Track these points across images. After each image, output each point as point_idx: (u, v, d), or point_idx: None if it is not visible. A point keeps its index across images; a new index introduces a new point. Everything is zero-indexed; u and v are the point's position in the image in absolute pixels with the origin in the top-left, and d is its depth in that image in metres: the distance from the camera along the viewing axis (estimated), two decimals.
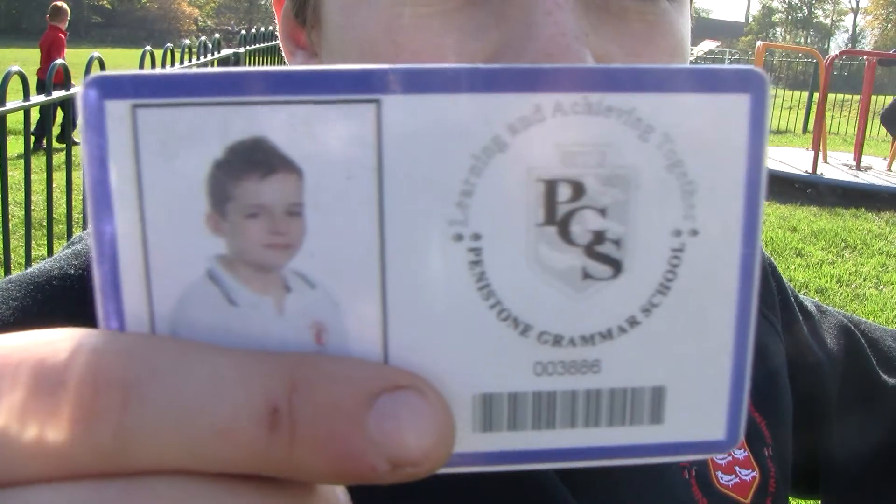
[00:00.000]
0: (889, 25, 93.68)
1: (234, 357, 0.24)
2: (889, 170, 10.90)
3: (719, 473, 0.67)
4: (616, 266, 0.26)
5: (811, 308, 0.86)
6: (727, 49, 50.80)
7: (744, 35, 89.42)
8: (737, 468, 0.68)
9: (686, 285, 0.26)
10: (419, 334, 0.26)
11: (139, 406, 0.23)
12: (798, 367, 0.80)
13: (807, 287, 6.20)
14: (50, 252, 3.61)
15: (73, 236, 0.63)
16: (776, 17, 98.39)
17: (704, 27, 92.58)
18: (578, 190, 0.25)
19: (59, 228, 3.94)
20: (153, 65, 4.13)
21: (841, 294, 6.17)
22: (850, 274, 6.72)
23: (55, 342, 0.23)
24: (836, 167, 10.90)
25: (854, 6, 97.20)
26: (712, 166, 0.25)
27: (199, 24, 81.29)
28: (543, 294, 0.26)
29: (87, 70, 3.45)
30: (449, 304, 0.26)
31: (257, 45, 6.49)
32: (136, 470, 0.23)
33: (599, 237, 0.26)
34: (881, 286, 6.50)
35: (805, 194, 9.91)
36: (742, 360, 0.27)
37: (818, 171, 10.29)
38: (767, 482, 0.70)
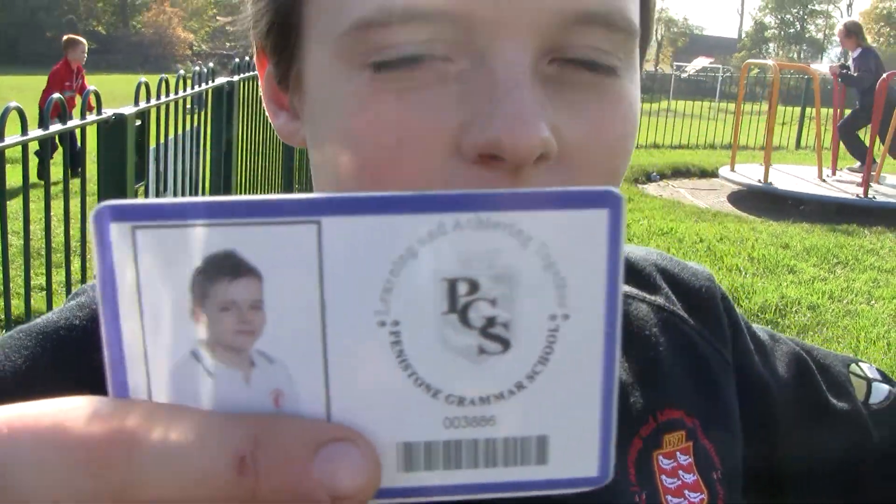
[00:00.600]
0: (881, 39, 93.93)
1: (212, 418, 0.31)
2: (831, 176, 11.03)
3: (669, 497, 0.73)
4: (505, 344, 0.32)
5: (764, 337, 0.92)
6: (720, 66, 51.00)
7: (737, 51, 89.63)
8: (686, 491, 0.74)
9: (561, 357, 0.32)
10: (353, 397, 0.32)
11: (140, 457, 0.29)
12: (749, 395, 0.86)
13: (799, 304, 6.26)
14: (48, 281, 3.67)
15: (77, 288, 0.69)
16: (769, 33, 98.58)
17: (698, 44, 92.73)
18: (474, 286, 0.31)
19: (57, 257, 4.00)
20: (148, 95, 4.19)
21: (833, 310, 6.23)
22: (841, 290, 6.78)
23: (77, 408, 0.30)
24: (830, 183, 10.98)
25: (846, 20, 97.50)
26: (579, 265, 0.31)
27: (195, 48, 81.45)
28: (449, 366, 0.32)
29: (84, 104, 3.51)
30: (376, 374, 0.32)
31: (251, 73, 6.56)
32: (144, 502, 0.29)
33: (491, 322, 0.32)
34: (873, 301, 6.56)
35: (798, 210, 10.00)
36: (609, 413, 0.33)
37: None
38: (716, 503, 0.76)
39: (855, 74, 11.88)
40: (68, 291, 3.75)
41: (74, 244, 3.97)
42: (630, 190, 10.81)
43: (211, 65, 5.54)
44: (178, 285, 0.31)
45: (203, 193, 5.51)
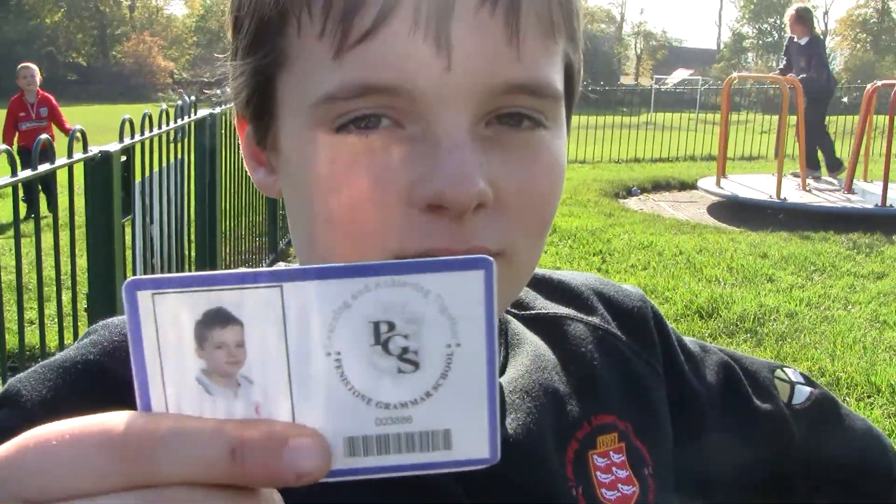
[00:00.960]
0: (858, 45, 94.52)
1: (212, 424, 0.42)
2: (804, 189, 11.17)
3: (604, 490, 0.83)
4: (416, 365, 0.43)
5: (694, 349, 1.03)
6: (700, 77, 51.36)
7: (716, 62, 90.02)
8: (619, 485, 0.85)
9: (456, 373, 0.44)
10: (310, 406, 0.44)
11: (162, 451, 0.40)
12: (681, 401, 0.96)
13: (777, 312, 6.38)
14: (41, 314, 3.77)
15: (89, 327, 0.80)
16: (747, 43, 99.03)
17: (678, 56, 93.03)
18: (391, 326, 0.43)
19: (48, 290, 4.09)
20: (132, 131, 4.28)
21: (810, 317, 6.35)
22: (819, 296, 6.91)
23: (117, 418, 0.41)
24: (804, 191, 11.12)
25: (823, 28, 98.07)
26: (465, 309, 0.43)
27: (175, 76, 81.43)
28: (377, 382, 0.43)
29: (71, 142, 3.61)
30: (325, 389, 0.43)
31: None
32: (161, 483, 0.40)
33: (405, 350, 0.43)
34: (849, 306, 6.69)
35: (776, 219, 10.13)
36: (493, 411, 0.44)
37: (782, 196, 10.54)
38: (647, 495, 0.86)
39: (803, 76, 11.88)
40: (60, 324, 3.85)
41: (64, 278, 4.06)
42: (611, 205, 10.94)
43: (193, 97, 5.64)
44: (184, 332, 0.42)
45: (188, 224, 5.61)
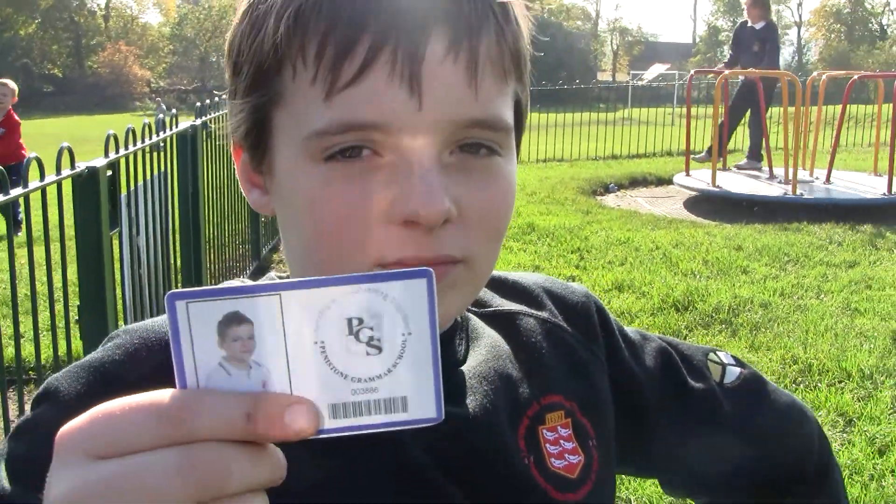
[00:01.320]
0: (832, 35, 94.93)
1: (232, 396, 0.55)
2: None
3: (552, 459, 0.97)
4: (380, 349, 0.57)
5: (635, 337, 1.17)
6: (676, 72, 51.51)
7: (692, 56, 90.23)
8: (566, 455, 0.98)
9: (409, 355, 0.57)
10: (304, 381, 0.57)
11: (196, 414, 0.53)
12: (621, 383, 1.10)
13: (751, 302, 6.52)
14: (35, 326, 3.88)
15: (111, 332, 0.93)
16: (722, 37, 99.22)
17: (654, 51, 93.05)
18: (361, 321, 0.56)
19: (39, 304, 4.18)
20: (117, 145, 4.39)
21: (783, 306, 6.49)
22: (792, 286, 7.05)
23: (163, 393, 0.54)
24: (775, 184, 11.27)
25: (797, 20, 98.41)
26: (416, 307, 0.56)
27: (152, 85, 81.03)
28: (352, 362, 0.57)
29: (59, 158, 3.72)
30: (314, 369, 0.57)
31: (212, 115, 6.79)
32: (196, 440, 0.52)
33: (371, 339, 0.56)
34: (822, 295, 6.83)
35: (752, 211, 10.29)
36: (438, 382, 0.58)
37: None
38: (591, 464, 1.00)
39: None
40: (53, 335, 3.95)
41: (41, 287, 4.16)
42: (588, 202, 11.06)
43: (174, 111, 5.74)
44: (210, 330, 0.55)
45: (173, 234, 5.72)
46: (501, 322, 1.05)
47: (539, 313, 1.08)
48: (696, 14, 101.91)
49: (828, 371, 5.25)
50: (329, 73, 0.78)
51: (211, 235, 6.71)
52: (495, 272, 1.05)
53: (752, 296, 6.70)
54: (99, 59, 77.98)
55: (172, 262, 5.67)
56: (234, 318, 0.55)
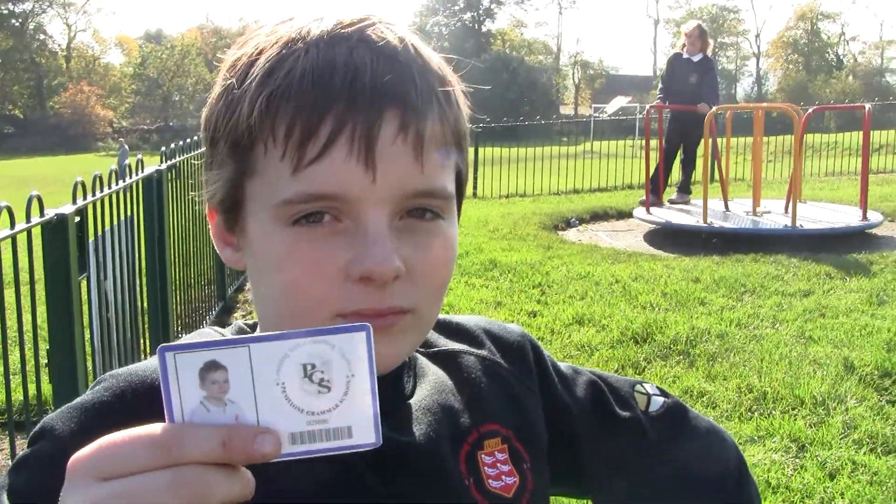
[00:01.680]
0: (790, 66, 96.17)
1: (212, 427, 0.67)
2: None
3: (490, 480, 1.09)
4: (329, 389, 0.69)
5: (567, 371, 1.30)
6: (637, 104, 51.96)
7: (653, 88, 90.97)
8: (502, 476, 1.11)
9: (352, 393, 0.69)
10: (269, 415, 0.69)
11: (182, 444, 0.66)
12: (554, 412, 1.23)
13: (708, 333, 6.65)
14: (6, 369, 3.97)
15: (99, 376, 1.05)
16: None
17: (615, 84, 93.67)
18: (313, 366, 0.69)
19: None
20: (85, 192, 4.48)
21: (739, 336, 6.63)
22: (748, 316, 7.19)
23: (155, 426, 0.66)
24: (738, 214, 11.46)
25: (756, 51, 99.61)
26: (357, 354, 0.69)
27: (115, 125, 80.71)
28: (307, 399, 0.69)
29: (28, 206, 3.82)
30: (278, 405, 0.69)
31: (178, 159, 6.89)
32: (183, 463, 0.65)
33: (322, 380, 0.69)
34: (777, 325, 6.98)
35: (710, 244, 10.47)
36: (377, 413, 0.70)
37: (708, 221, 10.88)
38: (525, 484, 1.12)
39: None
40: (24, 378, 4.03)
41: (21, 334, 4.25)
42: (550, 237, 11.20)
43: (139, 156, 5.85)
44: (192, 375, 0.67)
45: (140, 277, 5.81)
46: (445, 360, 1.18)
47: (479, 352, 1.21)
48: (655, 47, 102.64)
49: (782, 398, 5.40)
50: (296, 151, 0.90)
51: (177, 277, 6.79)
52: (441, 316, 1.18)
53: (710, 327, 6.84)
54: (61, 99, 77.70)
55: (139, 304, 5.76)
56: (212, 366, 0.67)
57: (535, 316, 7.47)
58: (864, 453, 4.63)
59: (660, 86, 12.84)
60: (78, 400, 0.96)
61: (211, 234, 1.07)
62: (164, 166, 6.37)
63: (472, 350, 1.21)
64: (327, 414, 0.70)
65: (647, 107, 12.16)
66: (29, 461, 0.92)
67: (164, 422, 0.68)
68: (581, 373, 1.32)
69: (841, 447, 4.71)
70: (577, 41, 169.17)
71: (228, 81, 0.97)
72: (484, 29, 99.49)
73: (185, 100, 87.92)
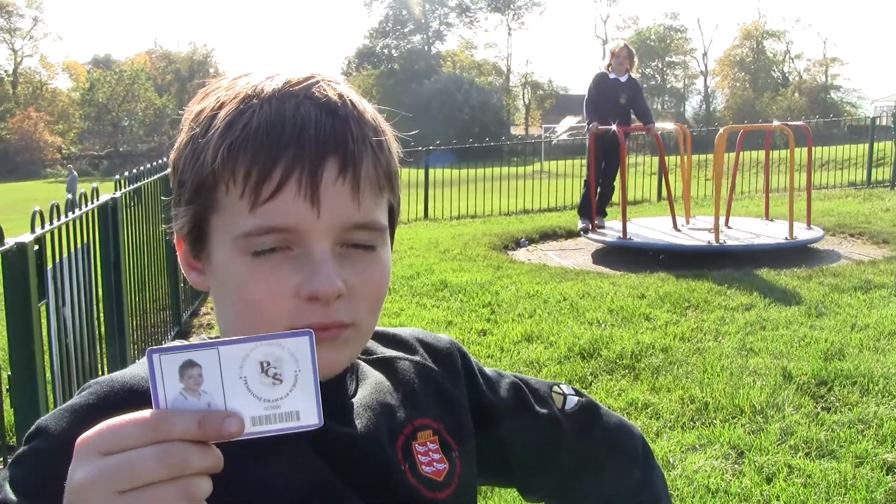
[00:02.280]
0: (738, 84, 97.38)
1: (189, 411, 0.83)
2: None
3: (423, 466, 1.25)
4: (281, 381, 0.85)
5: (492, 374, 1.47)
6: (585, 124, 52.34)
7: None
8: (434, 463, 1.27)
9: (300, 384, 0.86)
10: (234, 402, 0.85)
11: (165, 424, 0.82)
12: (480, 410, 1.40)
13: (653, 347, 6.83)
14: None
15: (84, 384, 1.20)
16: None
17: (565, 104, 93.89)
18: (269, 363, 0.85)
19: None
20: (42, 221, 4.60)
21: (683, 350, 6.81)
22: (692, 330, 7.38)
23: (144, 412, 0.83)
24: (684, 232, 11.70)
25: (703, 69, 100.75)
26: (303, 354, 0.86)
27: (64, 151, 79.97)
28: (264, 389, 0.85)
29: None
30: (241, 394, 0.85)
31: (133, 186, 7.00)
32: (167, 440, 0.81)
33: (276, 374, 0.85)
34: (720, 338, 7.17)
35: (657, 261, 10.70)
36: (319, 401, 0.87)
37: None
38: (454, 470, 1.28)
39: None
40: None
41: None
42: (499, 258, 11.36)
43: (95, 186, 5.95)
44: (174, 371, 0.83)
45: (97, 304, 5.93)
46: (383, 365, 1.34)
47: (413, 357, 1.38)
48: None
49: (722, 408, 5.60)
50: (253, 191, 1.07)
51: (133, 303, 6.90)
52: (379, 328, 1.35)
53: (654, 341, 7.02)
54: (7, 125, 76.89)
55: (97, 330, 5.87)
56: (189, 364, 0.84)
57: (485, 335, 7.61)
58: (800, 458, 4.84)
59: (587, 105, 12.40)
60: (68, 403, 1.12)
61: (179, 259, 1.23)
62: (118, 194, 6.49)
63: (407, 356, 1.38)
64: (280, 401, 0.86)
65: (590, 126, 12.11)
66: (27, 456, 1.06)
67: (152, 408, 0.85)
68: (504, 376, 1.49)
69: (778, 452, 4.92)
70: (526, 62, 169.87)
71: (194, 131, 1.13)
72: (434, 51, 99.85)
73: (135, 125, 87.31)
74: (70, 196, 5.27)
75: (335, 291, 1.08)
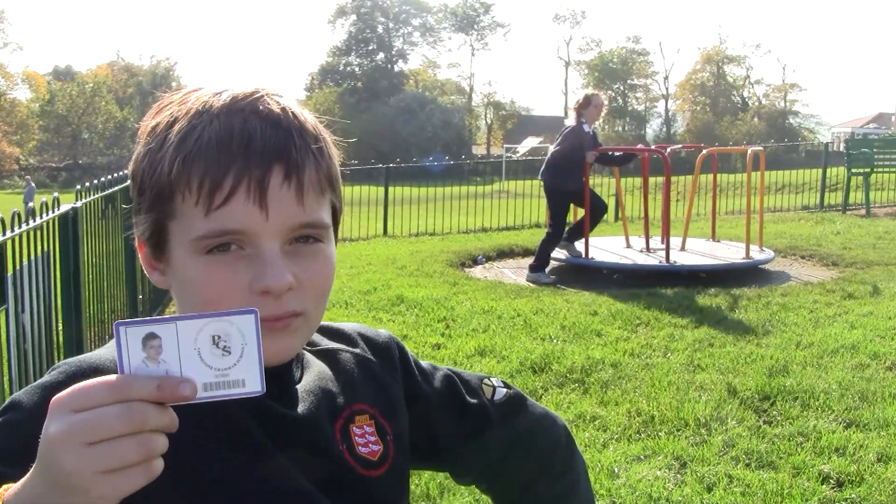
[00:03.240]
0: (698, 108, 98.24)
1: (150, 377, 0.94)
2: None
3: (360, 447, 1.36)
4: (230, 353, 0.97)
5: (427, 367, 1.58)
6: (548, 145, 52.66)
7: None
8: (369, 444, 1.37)
9: (246, 355, 0.97)
10: (188, 370, 0.96)
11: (129, 387, 0.93)
12: (414, 399, 1.52)
13: (603, 362, 6.96)
14: None
15: (55, 364, 1.31)
16: None
17: (527, 125, 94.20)
18: (219, 337, 0.97)
19: None
20: (3, 228, 4.67)
21: (632, 365, 6.95)
22: (641, 347, 7.53)
23: (111, 377, 0.94)
24: (638, 251, 11.89)
25: (665, 93, 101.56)
26: (248, 330, 0.97)
27: (22, 162, 79.21)
28: (215, 360, 0.97)
29: None
30: (195, 363, 0.96)
31: (94, 196, 7.07)
32: (130, 399, 0.93)
33: (225, 347, 0.97)
34: (668, 354, 7.32)
35: (612, 279, 10.88)
36: (262, 371, 0.98)
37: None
38: (388, 452, 1.39)
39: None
40: None
41: None
42: (456, 274, 11.46)
43: (56, 196, 6.03)
44: (137, 341, 0.94)
45: (57, 311, 5.99)
46: (326, 355, 1.46)
47: (353, 349, 1.50)
48: (567, 88, 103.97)
49: (668, 421, 5.74)
50: (207, 199, 1.18)
51: (92, 312, 6.96)
52: (324, 322, 1.47)
53: (604, 357, 7.15)
54: None
55: (55, 338, 5.94)
56: (151, 336, 0.95)
57: (439, 348, 7.70)
58: (740, 468, 4.99)
59: (585, 152, 11.20)
60: (39, 381, 1.22)
61: (140, 261, 1.34)
62: (79, 204, 6.57)
63: (348, 348, 1.50)
64: (228, 370, 0.98)
65: (592, 155, 11.35)
66: (1, 427, 1.16)
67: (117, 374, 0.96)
68: (439, 369, 1.62)
69: (719, 463, 5.07)
70: (489, 82, 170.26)
71: (150, 145, 1.24)
72: (397, 69, 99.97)
73: (95, 138, 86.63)
74: (31, 205, 5.33)
75: (286, 285, 1.20)
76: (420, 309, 9.26)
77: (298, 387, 1.37)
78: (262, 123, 1.21)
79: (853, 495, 4.63)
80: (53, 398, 0.95)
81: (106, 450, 0.91)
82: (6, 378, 4.80)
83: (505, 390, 1.64)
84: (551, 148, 11.52)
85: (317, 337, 1.49)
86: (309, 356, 1.44)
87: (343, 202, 1.36)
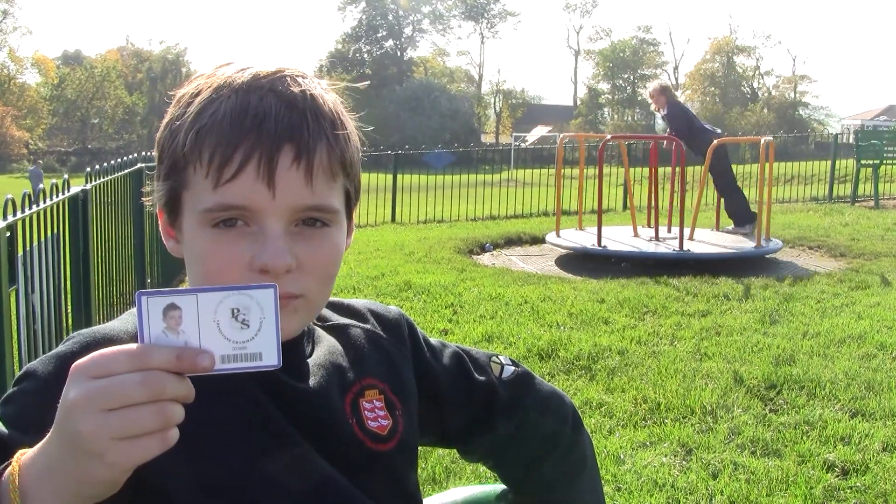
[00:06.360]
0: (707, 98, 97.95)
1: (169, 347, 0.96)
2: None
3: (369, 422, 1.38)
4: (248, 326, 0.98)
5: (436, 344, 1.60)
6: (558, 133, 52.49)
7: (574, 118, 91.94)
8: (379, 419, 1.40)
9: (263, 329, 0.98)
10: (208, 342, 0.97)
11: (149, 356, 0.95)
12: (423, 375, 1.54)
13: (610, 350, 6.96)
14: None
15: (67, 336, 1.33)
16: (602, 99, 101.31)
17: (537, 114, 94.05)
18: (238, 310, 0.98)
19: None
20: (14, 209, 4.69)
21: (639, 352, 6.95)
22: (648, 335, 7.53)
23: (133, 345, 0.96)
24: (644, 239, 11.88)
25: (675, 83, 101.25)
26: (267, 304, 0.98)
27: (31, 146, 79.28)
28: (233, 332, 0.98)
29: None
30: (214, 335, 0.98)
31: (103, 179, 7.09)
32: (149, 368, 0.94)
33: (244, 321, 0.98)
34: (675, 342, 7.32)
35: (619, 268, 10.88)
36: (279, 345, 0.99)
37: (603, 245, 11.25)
38: (397, 427, 1.41)
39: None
40: None
41: None
42: (464, 261, 11.46)
43: (66, 178, 6.05)
44: (158, 312, 0.95)
45: (66, 292, 6.02)
46: (337, 331, 1.48)
47: (364, 325, 1.52)
48: (576, 77, 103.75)
49: (674, 408, 5.75)
50: (216, 172, 1.20)
51: (100, 295, 6.99)
52: (335, 298, 1.49)
53: (611, 344, 7.15)
54: None
55: (64, 320, 5.96)
56: (171, 306, 0.97)
57: (446, 334, 7.70)
58: (745, 456, 5.00)
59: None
60: (54, 351, 1.24)
61: (160, 228, 1.36)
62: (89, 186, 6.59)
63: (359, 324, 1.52)
64: (247, 343, 0.99)
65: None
66: (17, 395, 1.19)
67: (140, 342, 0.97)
68: (448, 346, 1.64)
69: (724, 451, 5.08)
70: (498, 70, 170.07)
71: (173, 115, 1.27)
72: (406, 56, 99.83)
73: (105, 123, 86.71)
74: (41, 186, 5.36)
75: (284, 266, 1.21)
76: (428, 295, 9.27)
77: (309, 361, 1.38)
78: (278, 103, 1.22)
79: (858, 483, 4.64)
80: (74, 364, 0.96)
81: (123, 416, 0.93)
82: (16, 357, 4.82)
83: (513, 368, 1.65)
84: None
85: (328, 312, 1.50)
86: (320, 331, 1.46)
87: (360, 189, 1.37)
